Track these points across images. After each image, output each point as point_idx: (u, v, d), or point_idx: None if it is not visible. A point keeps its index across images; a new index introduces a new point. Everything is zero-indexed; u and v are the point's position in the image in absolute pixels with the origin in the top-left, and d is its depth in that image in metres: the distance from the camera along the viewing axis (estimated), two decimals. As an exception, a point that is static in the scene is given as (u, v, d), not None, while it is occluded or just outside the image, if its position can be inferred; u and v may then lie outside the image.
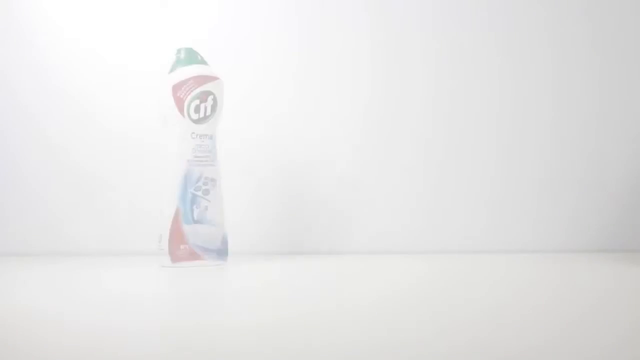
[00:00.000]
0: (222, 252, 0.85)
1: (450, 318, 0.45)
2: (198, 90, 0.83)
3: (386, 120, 1.04)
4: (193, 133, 0.83)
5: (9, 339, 0.40)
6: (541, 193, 1.02)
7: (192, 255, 0.83)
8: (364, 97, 1.04)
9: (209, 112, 0.84)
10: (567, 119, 1.03)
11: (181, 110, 0.83)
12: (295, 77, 1.04)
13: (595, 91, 1.03)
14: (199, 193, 0.83)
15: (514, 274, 0.72)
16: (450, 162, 1.03)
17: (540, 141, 1.03)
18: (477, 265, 0.81)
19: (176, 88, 0.83)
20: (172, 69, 0.84)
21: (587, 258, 0.89)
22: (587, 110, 1.03)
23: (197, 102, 0.83)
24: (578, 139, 1.03)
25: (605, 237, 1.02)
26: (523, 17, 1.03)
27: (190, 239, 0.83)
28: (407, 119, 1.04)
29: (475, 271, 0.74)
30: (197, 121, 0.83)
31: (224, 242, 0.85)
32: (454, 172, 1.03)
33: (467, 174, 1.03)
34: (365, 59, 1.04)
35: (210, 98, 0.84)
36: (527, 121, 1.03)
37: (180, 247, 0.82)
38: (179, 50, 0.85)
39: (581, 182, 1.02)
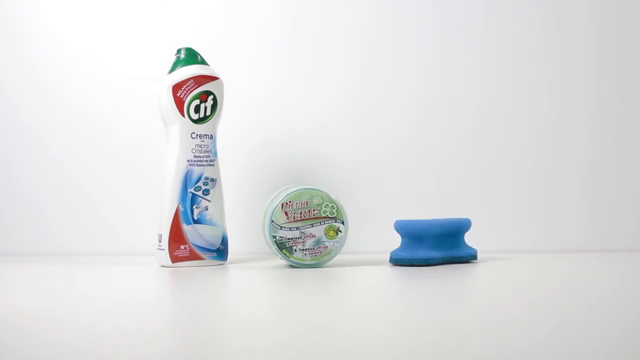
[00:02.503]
0: (222, 252, 0.85)
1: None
2: (198, 90, 0.83)
3: (386, 118, 1.04)
4: (193, 133, 0.83)
5: (9, 339, 0.40)
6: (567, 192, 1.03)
7: (192, 255, 0.83)
8: (365, 96, 1.04)
9: (209, 112, 0.84)
10: (580, 118, 1.03)
11: (181, 110, 0.83)
12: (298, 76, 1.04)
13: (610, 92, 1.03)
14: (199, 193, 0.83)
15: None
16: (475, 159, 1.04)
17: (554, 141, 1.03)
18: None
19: (176, 88, 0.83)
20: (172, 69, 0.84)
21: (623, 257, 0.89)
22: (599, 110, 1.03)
23: (197, 102, 0.83)
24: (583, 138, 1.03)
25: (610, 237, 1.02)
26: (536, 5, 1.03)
27: (190, 239, 0.83)
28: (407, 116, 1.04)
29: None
30: (197, 121, 0.84)
31: (224, 242, 0.85)
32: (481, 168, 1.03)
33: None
34: (369, 57, 1.04)
35: (210, 98, 0.84)
36: (538, 120, 1.03)
37: (180, 247, 0.82)
38: (179, 50, 0.86)
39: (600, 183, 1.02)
